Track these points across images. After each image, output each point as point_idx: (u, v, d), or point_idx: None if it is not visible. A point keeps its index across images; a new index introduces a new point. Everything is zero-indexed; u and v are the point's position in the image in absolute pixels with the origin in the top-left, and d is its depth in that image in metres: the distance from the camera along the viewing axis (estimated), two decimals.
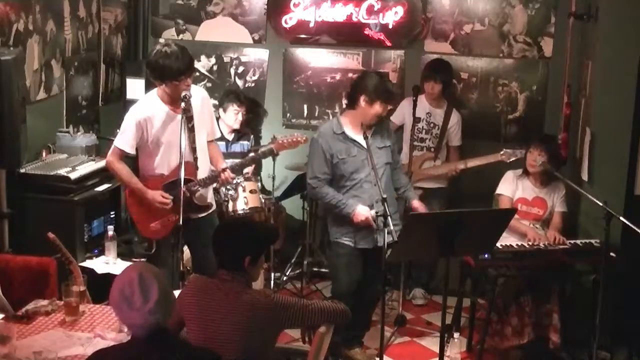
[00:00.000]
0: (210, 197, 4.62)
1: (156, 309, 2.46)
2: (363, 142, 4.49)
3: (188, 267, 4.77)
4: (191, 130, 4.32)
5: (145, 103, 4.41)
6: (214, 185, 4.73)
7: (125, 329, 3.27)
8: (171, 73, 4.20)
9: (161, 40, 6.45)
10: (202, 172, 4.40)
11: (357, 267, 4.65)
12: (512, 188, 5.00)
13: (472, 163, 5.56)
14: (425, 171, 5.67)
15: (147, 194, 4.35)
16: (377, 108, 4.48)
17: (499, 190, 5.03)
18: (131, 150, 4.38)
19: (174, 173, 4.30)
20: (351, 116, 4.57)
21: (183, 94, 4.20)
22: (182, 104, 4.19)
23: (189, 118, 4.30)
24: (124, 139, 4.36)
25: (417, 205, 4.74)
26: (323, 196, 4.59)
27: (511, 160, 5.28)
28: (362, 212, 4.48)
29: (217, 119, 5.86)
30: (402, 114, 5.69)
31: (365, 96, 4.48)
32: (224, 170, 4.44)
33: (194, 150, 4.34)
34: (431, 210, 5.45)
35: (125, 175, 4.40)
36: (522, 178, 5.00)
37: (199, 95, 4.45)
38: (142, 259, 4.88)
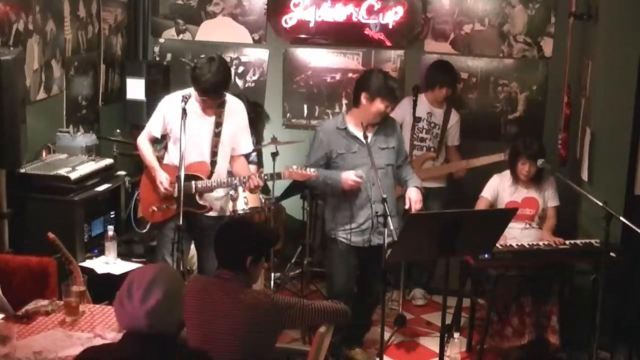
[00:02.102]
0: (222, 204, 4.64)
1: (149, 315, 2.39)
2: (366, 141, 4.48)
3: (188, 267, 4.78)
4: (217, 135, 4.45)
5: (178, 96, 4.47)
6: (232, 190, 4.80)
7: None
8: (196, 86, 4.32)
9: (161, 41, 6.46)
10: (217, 178, 4.48)
11: (352, 265, 4.64)
12: (494, 193, 5.00)
13: (476, 162, 5.56)
14: (427, 171, 5.66)
15: (156, 171, 4.48)
16: (378, 105, 4.46)
17: (482, 192, 5.04)
18: (157, 134, 4.57)
19: (188, 168, 4.37)
20: (355, 114, 4.57)
21: (183, 93, 4.22)
22: (182, 104, 4.21)
23: (217, 123, 4.44)
24: (152, 123, 4.58)
25: (411, 193, 4.55)
26: None
27: None
28: (349, 175, 4.45)
29: None
30: (402, 112, 5.68)
31: (365, 93, 4.48)
32: (250, 177, 4.45)
33: (214, 153, 4.46)
34: (431, 210, 5.47)
35: (145, 152, 4.58)
36: (510, 181, 4.99)
37: (232, 106, 4.53)
38: (142, 259, 4.90)
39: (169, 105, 4.49)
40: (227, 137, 4.50)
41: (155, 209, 4.51)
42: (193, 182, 4.41)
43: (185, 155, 4.37)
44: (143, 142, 4.60)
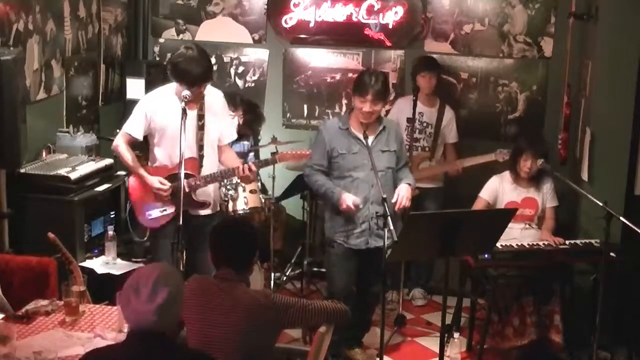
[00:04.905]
0: (215, 198, 4.61)
1: (158, 312, 2.43)
2: (366, 142, 4.48)
3: (187, 267, 4.77)
4: (200, 128, 4.38)
5: (159, 94, 4.45)
6: (222, 183, 4.76)
7: (125, 329, 3.27)
8: (188, 78, 4.24)
9: (161, 41, 6.46)
10: (207, 171, 4.42)
11: (351, 266, 4.65)
12: (493, 194, 5.00)
13: (467, 163, 5.57)
14: (422, 172, 5.66)
15: (147, 179, 4.39)
16: (357, 103, 4.52)
17: (480, 193, 5.04)
18: (139, 136, 4.44)
19: (177, 167, 4.32)
20: (354, 115, 4.61)
21: (183, 94, 4.21)
22: (182, 104, 4.19)
23: (200, 116, 4.37)
24: (132, 124, 4.43)
25: (401, 188, 4.56)
26: (313, 183, 4.64)
27: (505, 159, 5.28)
28: (347, 199, 4.49)
29: None
30: (395, 113, 5.68)
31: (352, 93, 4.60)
32: (239, 166, 4.40)
33: (200, 147, 4.39)
34: (428, 211, 5.47)
35: (128, 158, 4.45)
36: (509, 182, 4.99)
37: (213, 96, 4.48)
38: (142, 259, 4.90)
39: (150, 104, 4.41)
40: (211, 128, 4.44)
41: (152, 214, 4.44)
42: (185, 180, 4.27)
43: (172, 155, 4.35)
44: (123, 147, 4.43)
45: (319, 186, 4.61)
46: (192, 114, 4.36)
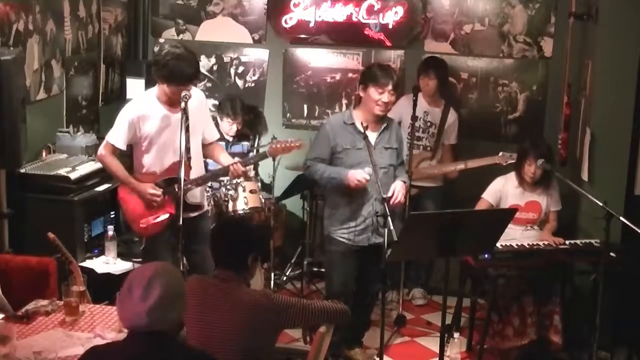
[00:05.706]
0: (201, 198, 4.61)
1: (150, 312, 2.41)
2: (370, 138, 4.48)
3: (188, 268, 4.77)
4: (186, 130, 4.31)
5: (141, 102, 4.41)
6: (219, 182, 4.72)
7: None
8: (180, 77, 4.19)
9: (161, 41, 6.46)
10: (195, 173, 4.39)
11: (350, 265, 4.64)
12: (496, 196, 4.97)
13: (469, 164, 5.56)
14: (422, 170, 5.66)
15: (138, 187, 4.35)
16: (372, 94, 4.48)
17: (484, 194, 5.02)
18: (122, 146, 4.37)
19: (166, 172, 4.33)
20: (360, 111, 4.61)
21: (183, 93, 4.19)
22: (182, 104, 4.17)
23: (185, 118, 4.27)
24: (116, 135, 4.35)
25: (396, 184, 4.55)
26: (316, 172, 4.57)
27: (507, 163, 5.26)
28: (355, 174, 4.43)
29: (216, 123, 5.86)
30: (399, 111, 5.67)
31: (361, 86, 4.57)
32: (233, 164, 4.41)
33: (187, 150, 4.32)
34: (426, 210, 5.47)
35: (116, 169, 4.40)
36: (514, 184, 4.98)
37: (196, 96, 4.43)
38: (142, 259, 4.90)
39: (135, 112, 4.32)
40: (196, 129, 4.37)
41: (145, 224, 4.38)
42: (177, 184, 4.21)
43: (161, 161, 4.34)
44: (109, 158, 4.37)
45: (321, 173, 4.54)
46: (177, 116, 4.25)
